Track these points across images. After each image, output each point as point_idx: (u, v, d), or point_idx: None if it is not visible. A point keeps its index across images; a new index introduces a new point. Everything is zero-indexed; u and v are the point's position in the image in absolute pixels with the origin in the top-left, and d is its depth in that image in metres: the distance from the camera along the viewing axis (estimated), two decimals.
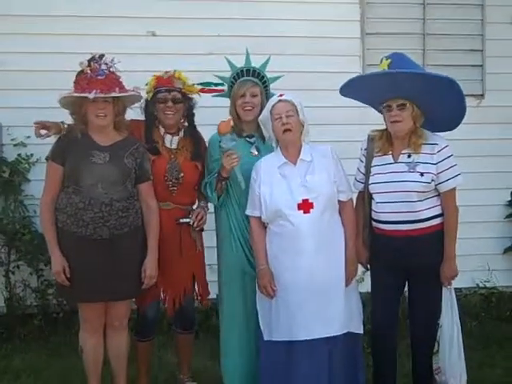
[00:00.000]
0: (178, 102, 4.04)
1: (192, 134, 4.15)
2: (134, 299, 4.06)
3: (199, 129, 4.22)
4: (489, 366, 4.72)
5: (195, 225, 4.02)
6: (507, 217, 6.02)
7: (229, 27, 5.50)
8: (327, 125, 5.33)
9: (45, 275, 5.28)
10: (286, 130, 3.74)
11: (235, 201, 4.00)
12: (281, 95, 3.84)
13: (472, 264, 5.67)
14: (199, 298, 4.22)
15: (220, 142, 3.85)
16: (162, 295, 4.06)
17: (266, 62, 4.19)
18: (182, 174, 4.00)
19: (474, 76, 5.89)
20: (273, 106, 3.80)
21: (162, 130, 4.07)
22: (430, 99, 3.69)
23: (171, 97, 4.01)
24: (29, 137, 5.20)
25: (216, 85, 4.23)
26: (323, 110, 5.22)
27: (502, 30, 5.97)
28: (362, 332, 3.86)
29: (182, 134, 4.11)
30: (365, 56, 5.79)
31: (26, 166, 5.33)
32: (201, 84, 4.21)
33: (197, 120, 4.21)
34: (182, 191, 4.03)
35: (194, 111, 4.18)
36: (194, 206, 4.17)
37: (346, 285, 3.77)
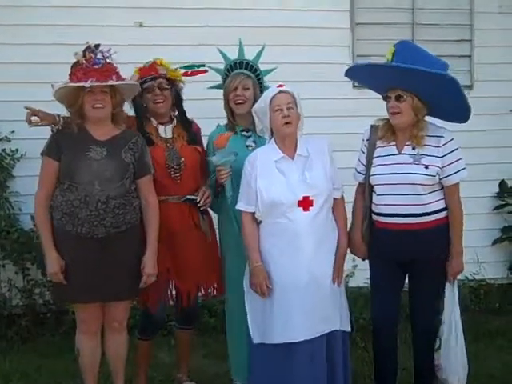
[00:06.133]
0: (165, 88, 3.97)
1: (182, 120, 4.07)
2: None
3: (197, 121, 4.18)
4: (484, 359, 4.68)
5: (202, 203, 3.92)
6: (496, 208, 6.01)
7: (217, 18, 5.39)
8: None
9: (31, 274, 5.14)
10: (286, 123, 3.61)
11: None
12: (280, 86, 3.69)
13: None
14: (215, 291, 4.14)
15: (213, 155, 3.83)
16: (173, 293, 4.00)
17: (260, 53, 4.12)
18: (182, 159, 3.92)
19: (463, 66, 5.85)
20: (273, 97, 3.65)
21: (155, 122, 3.99)
22: (430, 92, 3.61)
23: (157, 84, 3.94)
24: (13, 131, 5.11)
25: (198, 66, 4.20)
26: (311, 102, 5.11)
27: (490, 19, 5.94)
28: (349, 330, 3.77)
29: (174, 122, 4.04)
30: (354, 46, 5.72)
31: (11, 161, 5.17)
32: (183, 67, 4.18)
33: (193, 113, 4.15)
34: (186, 178, 3.93)
35: (183, 97, 4.11)
36: None
37: (334, 280, 3.66)
